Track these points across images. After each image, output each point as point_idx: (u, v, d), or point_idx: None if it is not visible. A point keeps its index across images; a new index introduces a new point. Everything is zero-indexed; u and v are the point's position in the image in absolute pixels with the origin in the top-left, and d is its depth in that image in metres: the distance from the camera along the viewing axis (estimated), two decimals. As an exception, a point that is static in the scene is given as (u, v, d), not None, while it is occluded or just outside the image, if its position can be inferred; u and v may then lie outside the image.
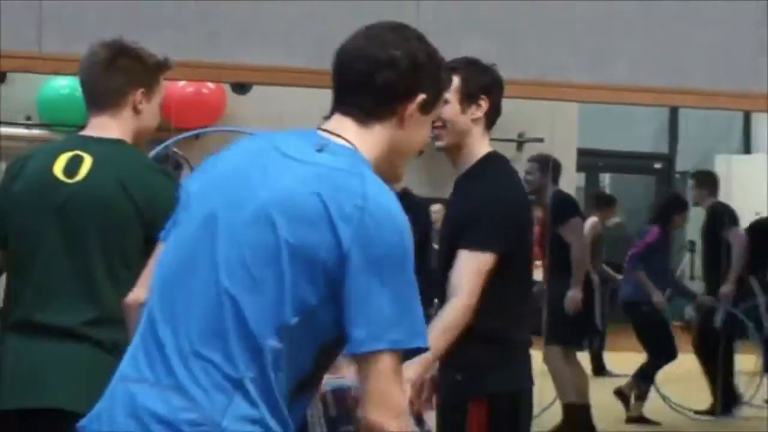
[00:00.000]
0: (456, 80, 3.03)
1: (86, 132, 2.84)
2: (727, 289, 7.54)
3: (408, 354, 1.91)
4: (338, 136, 1.86)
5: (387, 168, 1.92)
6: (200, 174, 1.97)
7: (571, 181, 9.32)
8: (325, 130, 1.90)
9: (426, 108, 1.92)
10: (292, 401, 1.85)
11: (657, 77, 5.77)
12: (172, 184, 2.80)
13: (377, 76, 1.84)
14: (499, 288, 3.13)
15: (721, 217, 7.69)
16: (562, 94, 5.80)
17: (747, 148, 13.07)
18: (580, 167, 10.94)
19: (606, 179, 13.81)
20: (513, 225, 3.19)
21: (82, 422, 1.96)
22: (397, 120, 1.89)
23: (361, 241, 1.75)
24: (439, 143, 3.23)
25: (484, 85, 3.19)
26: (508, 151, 11.34)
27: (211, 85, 8.98)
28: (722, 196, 8.72)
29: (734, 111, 10.01)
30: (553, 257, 6.86)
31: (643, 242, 7.75)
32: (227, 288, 1.77)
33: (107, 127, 2.80)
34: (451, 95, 3.08)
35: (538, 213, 6.89)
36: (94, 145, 2.72)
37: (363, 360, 1.77)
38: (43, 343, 2.70)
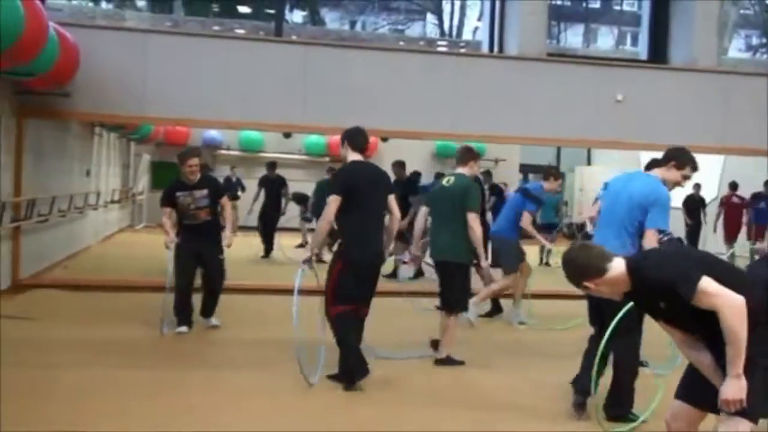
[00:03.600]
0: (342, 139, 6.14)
1: (456, 171, 6.93)
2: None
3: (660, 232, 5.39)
4: (649, 173, 5.58)
5: (670, 184, 5.42)
6: (610, 183, 5.61)
7: (515, 179, 15.56)
8: (646, 172, 5.66)
9: (676, 166, 5.45)
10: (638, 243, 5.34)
11: (546, 132, 10.68)
12: (475, 186, 6.84)
13: (666, 157, 5.50)
14: None
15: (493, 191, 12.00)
16: (507, 140, 11.23)
17: (589, 163, 20.68)
18: (520, 171, 19.17)
19: (530, 177, 21.47)
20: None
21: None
22: (667, 168, 5.47)
23: (654, 200, 5.30)
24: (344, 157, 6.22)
25: (344, 137, 6.13)
26: (488, 165, 18.32)
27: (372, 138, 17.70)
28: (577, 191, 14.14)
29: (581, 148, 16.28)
30: None
31: None
32: (622, 214, 5.39)
33: (460, 169, 6.89)
34: (341, 146, 6.15)
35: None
36: (454, 175, 6.84)
37: (645, 233, 5.28)
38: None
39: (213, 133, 20.08)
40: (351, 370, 5.92)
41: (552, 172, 9.06)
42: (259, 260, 13.92)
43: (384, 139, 16.97)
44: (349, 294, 5.95)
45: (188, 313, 7.68)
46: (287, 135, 18.78)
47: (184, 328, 7.59)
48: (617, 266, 3.45)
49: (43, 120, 10.22)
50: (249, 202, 14.88)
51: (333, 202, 5.84)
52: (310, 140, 20.12)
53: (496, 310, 9.19)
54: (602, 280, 3.43)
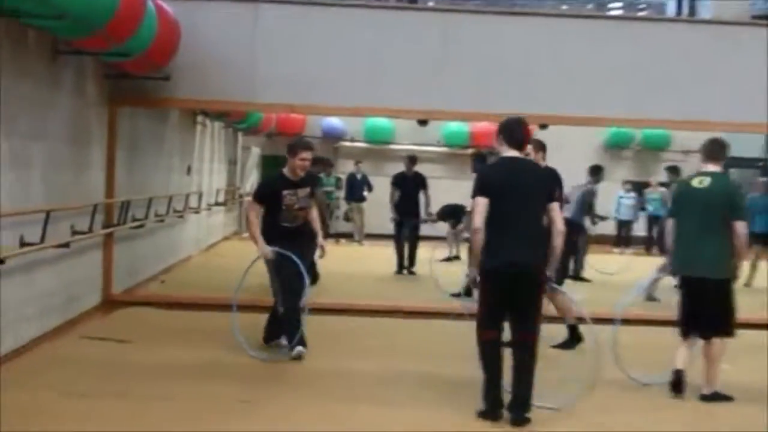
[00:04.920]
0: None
1: (705, 169, 6.56)
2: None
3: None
4: None
5: None
6: None
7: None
8: None
9: None
10: None
11: (753, 116, 9.48)
12: (740, 188, 6.80)
13: None
14: None
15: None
16: (702, 127, 9.78)
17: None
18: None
19: (732, 173, 20.18)
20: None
21: None
22: None
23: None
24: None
25: (499, 129, 5.92)
26: (675, 158, 17.18)
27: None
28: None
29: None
30: None
31: None
32: None
33: (712, 167, 6.55)
34: (496, 139, 6.00)
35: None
36: (708, 174, 6.48)
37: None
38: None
39: (334, 122, 19.74)
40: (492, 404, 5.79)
41: None
42: (391, 277, 13.31)
43: (543, 126, 15.31)
44: (490, 315, 5.81)
45: (301, 331, 7.55)
46: (423, 123, 18.13)
47: (301, 348, 7.39)
48: None
49: (139, 108, 10.29)
50: (380, 205, 14.18)
51: (474, 206, 5.75)
52: (449, 129, 19.54)
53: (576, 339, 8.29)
54: None
